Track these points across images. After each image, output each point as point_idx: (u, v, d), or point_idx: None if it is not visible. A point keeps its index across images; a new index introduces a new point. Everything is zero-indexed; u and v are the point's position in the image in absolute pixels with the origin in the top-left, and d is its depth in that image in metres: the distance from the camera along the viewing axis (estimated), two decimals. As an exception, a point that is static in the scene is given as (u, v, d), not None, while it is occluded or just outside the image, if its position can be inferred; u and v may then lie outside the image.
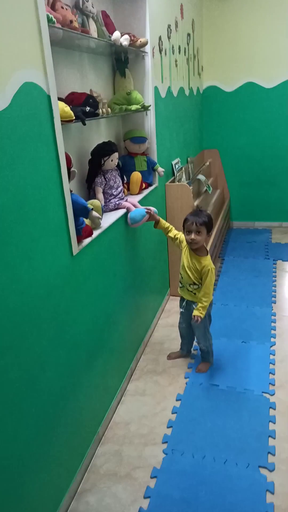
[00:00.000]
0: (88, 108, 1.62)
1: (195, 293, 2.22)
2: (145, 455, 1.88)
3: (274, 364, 2.40)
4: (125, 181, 2.36)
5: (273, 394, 2.16)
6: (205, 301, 2.14)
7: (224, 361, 2.45)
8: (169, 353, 2.58)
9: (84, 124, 1.58)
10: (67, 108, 1.44)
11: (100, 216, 1.59)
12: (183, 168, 3.24)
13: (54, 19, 1.38)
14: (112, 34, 1.98)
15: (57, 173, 1.43)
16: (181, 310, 2.40)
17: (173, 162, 3.12)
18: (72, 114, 1.45)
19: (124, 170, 2.49)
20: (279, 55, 4.05)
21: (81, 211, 1.55)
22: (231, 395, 2.18)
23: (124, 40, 1.96)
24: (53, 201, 1.42)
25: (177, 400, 2.19)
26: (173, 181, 3.04)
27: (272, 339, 2.63)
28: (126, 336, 2.32)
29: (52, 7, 1.59)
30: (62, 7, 1.61)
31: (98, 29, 1.97)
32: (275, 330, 2.74)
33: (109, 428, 2.05)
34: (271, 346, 2.56)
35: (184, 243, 2.21)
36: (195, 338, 2.42)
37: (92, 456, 1.89)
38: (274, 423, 1.99)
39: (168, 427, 2.03)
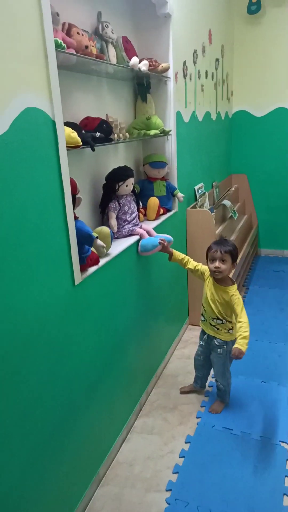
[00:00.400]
0: (98, 134, 1.57)
1: (218, 328, 2.08)
2: (146, 502, 1.74)
3: (295, 409, 2.20)
4: (141, 206, 2.29)
5: (293, 445, 1.97)
6: (245, 331, 1.83)
7: (240, 402, 2.28)
8: (181, 386, 2.43)
9: (93, 150, 1.53)
10: (74, 134, 1.39)
11: (104, 245, 1.51)
12: (206, 194, 3.14)
13: (63, 44, 1.36)
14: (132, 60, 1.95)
15: (61, 200, 1.38)
16: (201, 343, 2.25)
17: (196, 187, 3.04)
18: (79, 140, 1.41)
19: (143, 195, 2.44)
20: (313, 80, 3.93)
21: (85, 239, 1.49)
22: (245, 442, 2.00)
23: (143, 66, 1.93)
24: (54, 229, 1.37)
25: (186, 442, 2.04)
26: (194, 207, 2.95)
27: (295, 380, 2.43)
28: (137, 367, 2.21)
29: (68, 32, 1.58)
30: (78, 33, 1.60)
31: (117, 54, 1.96)
32: (299, 370, 2.53)
33: (111, 468, 1.92)
34: (293, 388, 2.36)
35: (207, 273, 2.08)
36: (213, 375, 2.26)
37: (90, 498, 1.76)
38: (292, 478, 1.79)
39: (174, 473, 1.87)
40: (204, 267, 2.12)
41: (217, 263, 1.95)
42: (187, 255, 2.97)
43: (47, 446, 1.42)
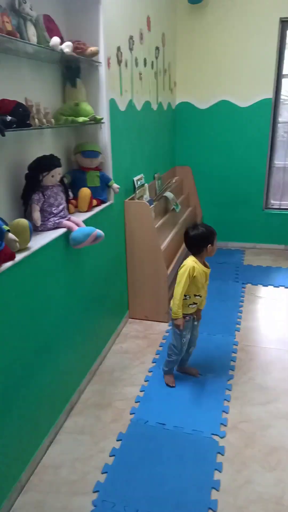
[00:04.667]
0: (9, 118, 1.45)
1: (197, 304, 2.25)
2: (71, 507, 1.66)
3: (229, 401, 2.21)
4: (71, 198, 2.18)
5: (223, 437, 1.97)
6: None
7: (175, 396, 2.26)
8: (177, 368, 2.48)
9: (3, 135, 1.40)
10: (-24, 116, 1.26)
11: (16, 239, 1.40)
12: (146, 185, 3.08)
13: None
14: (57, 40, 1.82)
15: None
16: (185, 332, 2.24)
17: (135, 178, 2.97)
18: (-18, 123, 1.28)
19: (75, 185, 2.33)
20: (254, 74, 3.97)
21: (-6, 233, 1.37)
22: (177, 436, 1.98)
23: (66, 47, 1.81)
24: None
25: (117, 440, 1.98)
26: (133, 199, 2.88)
27: (230, 372, 2.45)
28: (68, 366, 2.11)
29: (-27, 5, 1.43)
30: (-14, 6, 1.46)
31: (39, 34, 1.82)
32: (234, 361, 2.55)
33: (36, 473, 1.82)
34: (228, 380, 2.37)
35: (195, 266, 2.09)
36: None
37: (10, 508, 1.65)
38: (220, 471, 1.79)
39: (102, 473, 1.81)
40: (189, 268, 2.07)
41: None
42: (126, 247, 2.92)
43: None
